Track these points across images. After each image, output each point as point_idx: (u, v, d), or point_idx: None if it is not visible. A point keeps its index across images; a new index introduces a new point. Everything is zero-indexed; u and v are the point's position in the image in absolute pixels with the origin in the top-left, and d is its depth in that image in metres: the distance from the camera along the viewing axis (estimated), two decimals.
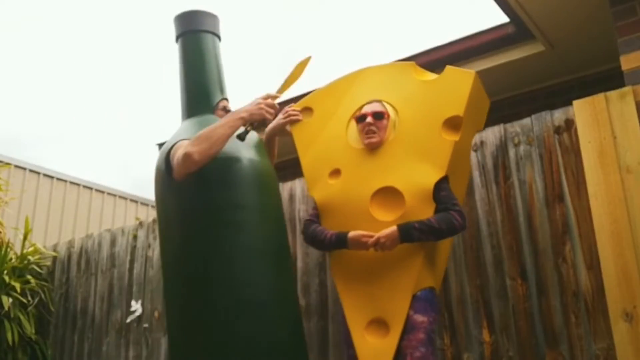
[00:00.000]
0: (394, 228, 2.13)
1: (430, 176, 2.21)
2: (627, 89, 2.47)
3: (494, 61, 3.99)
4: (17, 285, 4.19)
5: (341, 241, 2.24)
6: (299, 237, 3.29)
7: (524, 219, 2.61)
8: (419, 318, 2.12)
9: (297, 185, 3.41)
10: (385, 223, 2.18)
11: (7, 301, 4.10)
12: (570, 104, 2.59)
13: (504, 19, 3.70)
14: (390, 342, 2.12)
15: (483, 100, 2.46)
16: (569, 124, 2.60)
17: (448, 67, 2.38)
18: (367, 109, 2.40)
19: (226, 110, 2.55)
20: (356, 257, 2.26)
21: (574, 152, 2.55)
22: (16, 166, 6.46)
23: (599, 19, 3.42)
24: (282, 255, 2.35)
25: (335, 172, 2.42)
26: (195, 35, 2.65)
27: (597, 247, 2.37)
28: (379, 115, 2.35)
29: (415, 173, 2.23)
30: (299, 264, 3.25)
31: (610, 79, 3.73)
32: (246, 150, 2.35)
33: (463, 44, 4.07)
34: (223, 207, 2.21)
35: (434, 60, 4.03)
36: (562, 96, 4.09)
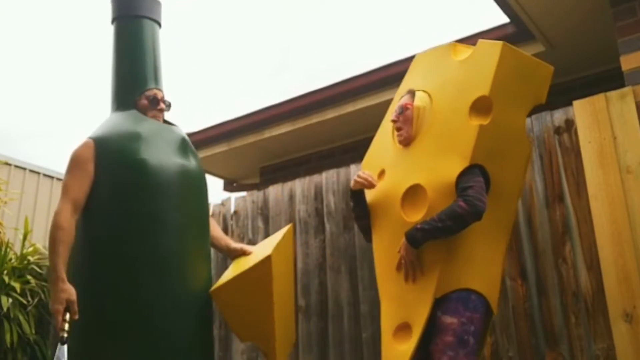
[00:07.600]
0: (403, 238, 2.02)
1: (453, 168, 1.99)
2: (627, 89, 2.47)
3: None
4: (17, 286, 4.18)
5: (351, 194, 2.31)
6: (299, 237, 3.28)
7: (524, 219, 2.61)
8: (447, 319, 1.93)
9: (297, 185, 3.40)
10: (412, 224, 2.01)
11: (6, 301, 4.09)
12: (571, 104, 2.59)
13: (504, 19, 3.70)
14: (409, 346, 1.96)
15: (532, 68, 2.12)
16: (569, 124, 2.60)
17: (480, 41, 2.12)
18: (396, 106, 2.26)
19: (155, 100, 2.36)
20: (392, 259, 2.10)
21: (574, 152, 2.55)
22: (16, 166, 6.44)
23: (599, 19, 3.42)
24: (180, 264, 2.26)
25: (382, 173, 2.27)
26: (131, 21, 2.44)
27: (597, 248, 2.37)
28: (400, 110, 2.20)
29: (440, 166, 2.03)
30: (299, 264, 3.25)
31: (610, 79, 3.72)
32: (173, 156, 2.27)
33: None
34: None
35: None
36: (562, 96, 4.08)
